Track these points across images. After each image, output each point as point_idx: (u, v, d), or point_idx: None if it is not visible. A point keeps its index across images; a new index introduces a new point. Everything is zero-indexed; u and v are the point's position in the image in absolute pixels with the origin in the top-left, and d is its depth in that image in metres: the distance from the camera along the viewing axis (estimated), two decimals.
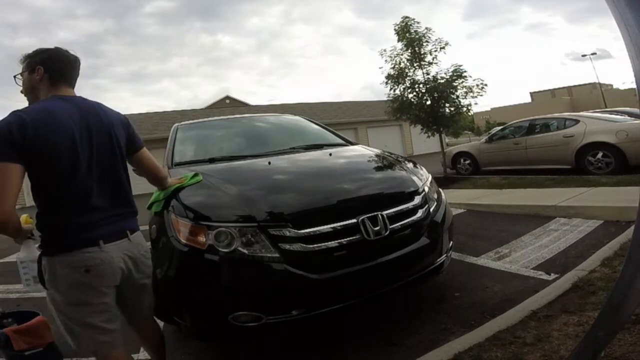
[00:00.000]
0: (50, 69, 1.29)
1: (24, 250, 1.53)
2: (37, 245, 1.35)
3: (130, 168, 1.99)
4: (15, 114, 1.17)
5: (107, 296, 1.32)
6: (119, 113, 1.47)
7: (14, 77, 1.37)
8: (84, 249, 1.23)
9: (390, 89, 7.63)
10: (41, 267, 1.30)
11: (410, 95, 7.48)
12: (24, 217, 1.49)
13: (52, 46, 1.35)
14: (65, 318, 1.29)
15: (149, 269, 1.52)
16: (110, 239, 1.30)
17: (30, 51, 1.33)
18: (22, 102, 1.39)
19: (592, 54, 31.68)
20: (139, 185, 1.91)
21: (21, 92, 1.36)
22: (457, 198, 5.11)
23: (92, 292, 1.27)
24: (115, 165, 1.37)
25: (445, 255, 2.02)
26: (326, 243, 1.64)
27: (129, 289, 1.43)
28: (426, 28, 7.22)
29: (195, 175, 1.97)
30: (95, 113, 1.33)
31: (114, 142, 1.36)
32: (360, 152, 2.76)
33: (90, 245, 1.25)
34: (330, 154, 2.53)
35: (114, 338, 1.34)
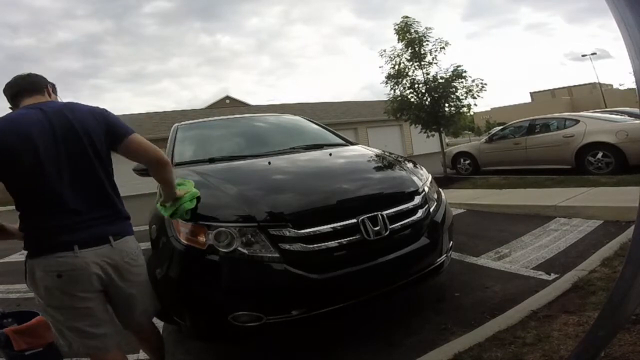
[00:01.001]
0: (10, 96, 1.38)
1: None
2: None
3: (130, 168, 1.98)
4: None
5: (89, 301, 1.27)
6: (92, 108, 1.38)
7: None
8: (57, 254, 1.21)
9: (391, 89, 7.64)
10: (25, 268, 1.28)
11: (410, 95, 7.48)
12: None
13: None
14: (52, 320, 1.29)
15: (136, 277, 1.42)
16: (87, 245, 1.25)
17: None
18: None
19: (592, 54, 31.70)
20: (138, 185, 1.90)
21: None
22: (457, 198, 5.11)
23: (69, 297, 1.24)
24: (90, 166, 1.30)
25: (445, 255, 2.02)
26: (326, 243, 1.64)
27: (116, 296, 1.38)
28: (426, 28, 7.24)
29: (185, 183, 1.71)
30: (62, 115, 1.28)
31: (86, 142, 1.28)
32: (360, 152, 2.76)
33: (64, 249, 1.21)
34: (330, 154, 2.53)
35: (104, 342, 1.30)
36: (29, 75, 1.41)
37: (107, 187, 1.35)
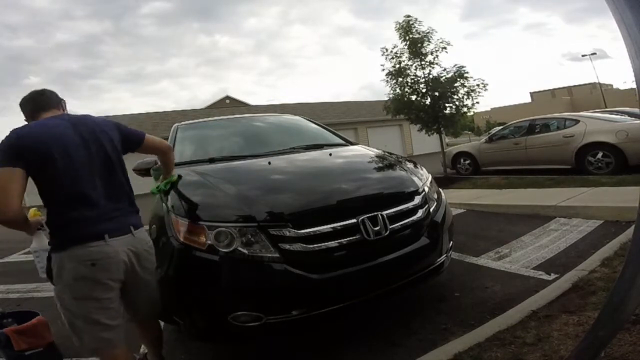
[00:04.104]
0: (30, 110, 1.50)
1: (35, 241, 1.61)
2: (48, 240, 1.44)
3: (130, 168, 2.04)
4: (13, 130, 1.36)
5: (112, 291, 1.38)
6: (106, 120, 1.60)
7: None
8: (90, 243, 1.32)
9: (391, 88, 7.63)
10: (50, 263, 1.37)
11: (411, 95, 7.47)
12: (31, 211, 1.62)
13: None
14: (69, 314, 1.35)
15: (152, 265, 1.58)
16: (115, 234, 1.38)
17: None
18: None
19: (592, 54, 31.59)
20: (140, 185, 1.92)
21: None
22: (457, 198, 5.11)
23: (98, 285, 1.34)
24: (112, 167, 1.47)
25: (445, 255, 2.02)
26: (326, 243, 1.64)
27: (134, 285, 1.49)
28: (429, 27, 7.23)
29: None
30: (85, 123, 1.47)
31: (108, 147, 1.46)
32: (360, 152, 2.76)
33: (96, 239, 1.33)
34: (330, 154, 2.53)
35: (116, 335, 1.39)
36: (45, 91, 1.56)
37: (126, 185, 1.53)
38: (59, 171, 1.33)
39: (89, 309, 1.34)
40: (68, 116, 1.50)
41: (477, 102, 7.14)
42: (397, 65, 7.44)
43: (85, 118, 1.52)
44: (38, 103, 1.51)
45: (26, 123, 1.49)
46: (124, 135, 1.58)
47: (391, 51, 7.48)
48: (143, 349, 1.86)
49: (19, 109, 1.53)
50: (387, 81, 7.62)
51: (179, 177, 1.98)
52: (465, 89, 7.07)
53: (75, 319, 1.35)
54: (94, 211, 1.37)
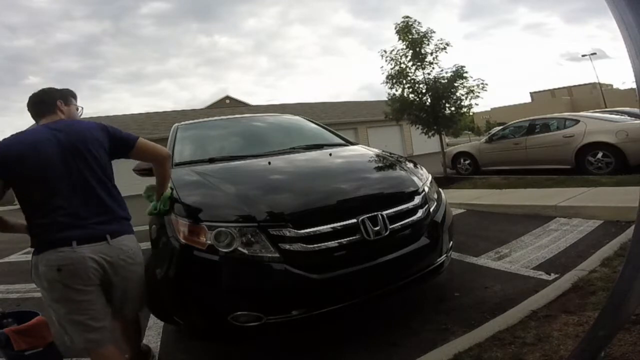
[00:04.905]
0: (31, 115, 1.55)
1: None
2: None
3: (130, 168, 2.02)
4: None
5: (88, 294, 1.37)
6: (92, 124, 1.53)
7: None
8: (57, 249, 1.33)
9: (391, 88, 7.62)
10: (31, 264, 1.40)
11: (411, 96, 7.46)
12: None
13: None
14: (55, 314, 1.38)
15: (131, 274, 1.53)
16: (85, 242, 1.37)
17: None
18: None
19: (592, 54, 31.58)
20: (137, 185, 1.91)
21: None
22: (457, 198, 5.11)
23: (70, 290, 1.34)
24: (91, 176, 1.44)
25: (445, 255, 2.02)
26: (326, 243, 1.64)
27: (109, 290, 1.48)
28: (428, 28, 7.23)
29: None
30: (69, 131, 1.45)
31: (87, 156, 1.44)
32: (360, 152, 2.76)
33: (64, 244, 1.33)
34: (330, 154, 2.53)
35: (102, 335, 1.39)
36: (42, 96, 1.54)
37: (106, 195, 1.48)
38: (33, 180, 1.36)
39: (69, 310, 1.35)
40: (54, 124, 1.48)
41: (477, 104, 7.14)
42: (397, 67, 7.43)
43: (72, 124, 1.50)
44: (34, 111, 1.54)
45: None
46: (113, 139, 1.54)
47: (390, 52, 7.48)
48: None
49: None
50: (387, 83, 7.61)
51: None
52: (465, 89, 7.07)
53: (61, 319, 1.37)
54: (66, 218, 1.36)
